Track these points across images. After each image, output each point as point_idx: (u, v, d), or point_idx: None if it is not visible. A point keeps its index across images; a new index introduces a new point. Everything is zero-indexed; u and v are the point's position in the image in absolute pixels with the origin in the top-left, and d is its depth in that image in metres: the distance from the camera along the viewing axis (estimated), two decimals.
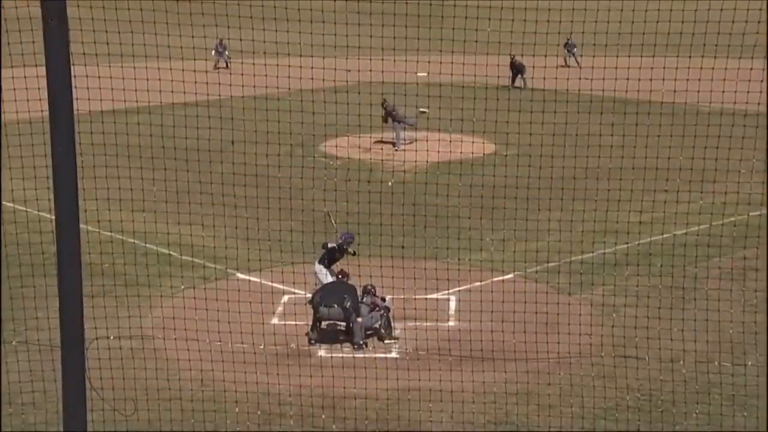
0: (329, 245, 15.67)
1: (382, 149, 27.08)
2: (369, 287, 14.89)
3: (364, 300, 14.68)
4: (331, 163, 24.96)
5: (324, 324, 14.63)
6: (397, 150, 26.83)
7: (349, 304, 14.32)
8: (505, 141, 25.96)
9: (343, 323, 14.54)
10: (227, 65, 38.79)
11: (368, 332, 14.62)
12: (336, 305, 14.34)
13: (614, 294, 15.93)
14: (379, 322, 14.60)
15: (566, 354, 13.62)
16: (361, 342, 14.35)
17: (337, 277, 15.10)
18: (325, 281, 15.23)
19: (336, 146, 26.64)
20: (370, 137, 27.26)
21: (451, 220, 17.75)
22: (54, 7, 3.96)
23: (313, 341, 14.49)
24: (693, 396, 12.76)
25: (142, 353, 13.00)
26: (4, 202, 19.94)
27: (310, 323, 14.61)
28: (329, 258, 15.65)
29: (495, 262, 17.57)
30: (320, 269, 15.51)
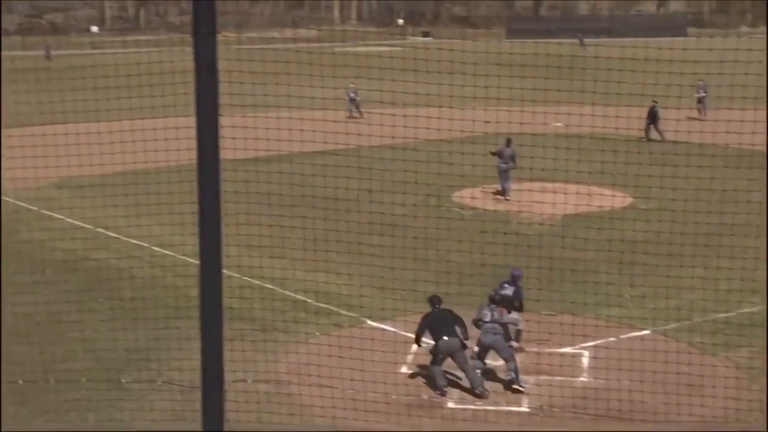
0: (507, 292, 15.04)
1: (519, 201, 26.87)
2: (495, 296, 14.09)
3: (494, 315, 13.90)
4: (464, 213, 24.95)
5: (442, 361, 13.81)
6: (508, 199, 26.26)
7: (460, 332, 13.66)
8: (645, 194, 25.38)
9: (462, 374, 14.02)
10: (360, 114, 39.59)
11: (479, 370, 13.90)
12: (452, 335, 13.65)
13: (761, 356, 15.14)
14: (511, 372, 14.08)
15: (711, 417, 13.01)
16: (481, 389, 13.74)
17: (433, 307, 14.06)
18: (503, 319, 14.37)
19: (471, 197, 26.63)
20: (499, 187, 27.15)
21: (588, 274, 17.37)
22: (206, 61, 4.16)
23: (443, 390, 13.97)
24: None
25: (276, 397, 13.21)
26: (152, 247, 20.85)
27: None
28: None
29: (633, 319, 17.05)
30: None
